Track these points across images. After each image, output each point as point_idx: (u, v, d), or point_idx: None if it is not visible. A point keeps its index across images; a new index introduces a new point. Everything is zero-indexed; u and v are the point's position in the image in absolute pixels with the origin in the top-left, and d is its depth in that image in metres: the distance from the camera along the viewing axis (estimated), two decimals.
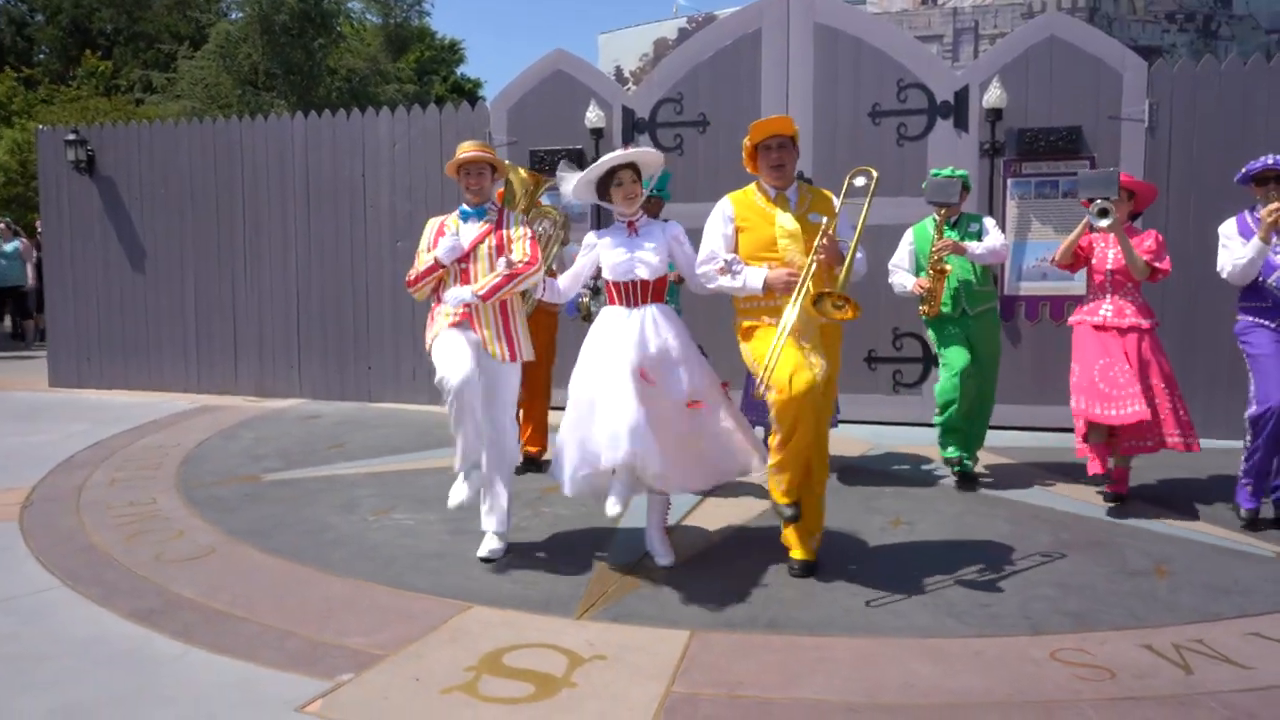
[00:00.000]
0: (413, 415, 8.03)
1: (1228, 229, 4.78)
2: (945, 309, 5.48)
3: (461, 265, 4.37)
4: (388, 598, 3.98)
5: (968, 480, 5.61)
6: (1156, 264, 4.97)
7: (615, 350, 4.07)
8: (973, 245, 5.37)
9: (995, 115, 6.95)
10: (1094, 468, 5.05)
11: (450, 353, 4.21)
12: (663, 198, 5.50)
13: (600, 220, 7.43)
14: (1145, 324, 4.99)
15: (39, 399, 8.99)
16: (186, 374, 9.16)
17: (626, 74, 24.15)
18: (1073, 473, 5.77)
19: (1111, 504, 5.17)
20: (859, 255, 4.07)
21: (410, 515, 5.15)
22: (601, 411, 3.98)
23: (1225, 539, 4.62)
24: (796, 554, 4.18)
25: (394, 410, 8.27)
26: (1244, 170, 4.67)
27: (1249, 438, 4.73)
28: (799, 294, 3.90)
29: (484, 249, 4.37)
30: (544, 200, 5.57)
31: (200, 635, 3.59)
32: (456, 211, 4.50)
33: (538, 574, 4.23)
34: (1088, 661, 3.32)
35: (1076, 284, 6.21)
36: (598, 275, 4.37)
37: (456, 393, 4.11)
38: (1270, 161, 4.55)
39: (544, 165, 7.69)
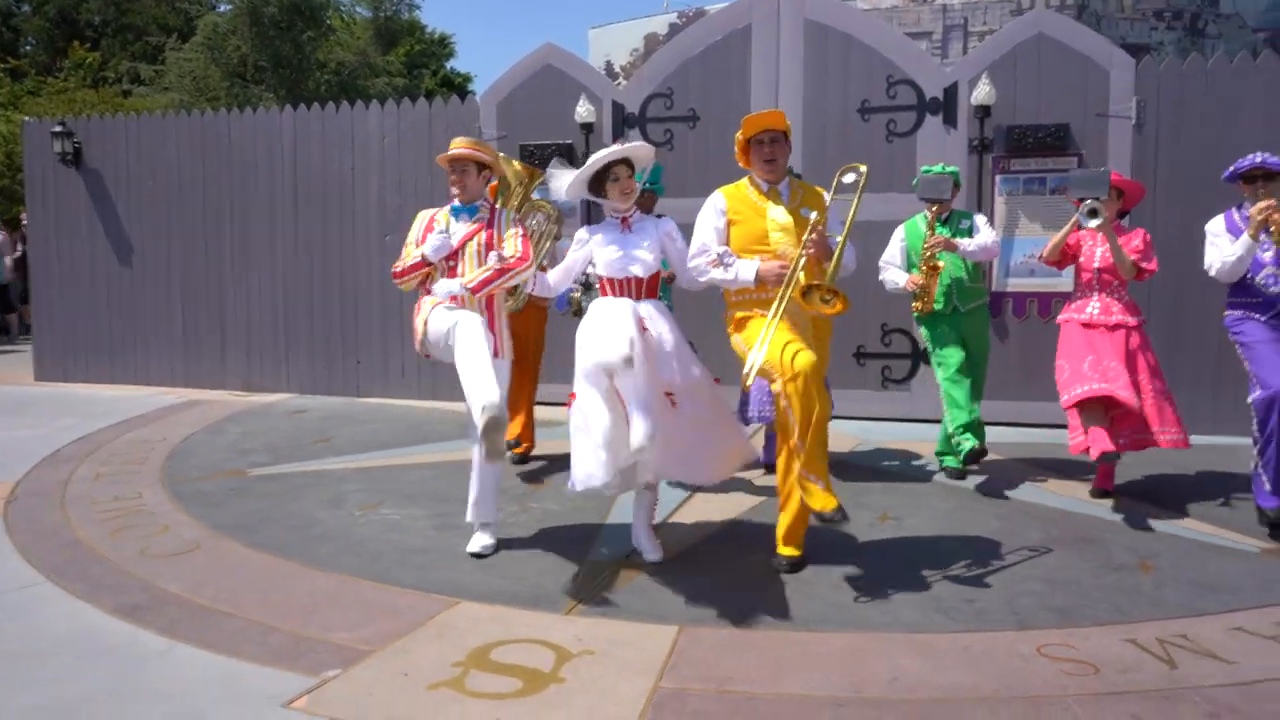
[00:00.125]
0: (401, 410, 8.01)
1: (1215, 226, 4.80)
2: (937, 306, 5.49)
3: (450, 263, 4.35)
4: (374, 593, 3.97)
5: (962, 475, 5.65)
6: (1143, 263, 5.00)
7: (610, 332, 3.87)
8: (965, 242, 5.39)
9: (984, 112, 6.96)
10: (1101, 445, 4.77)
11: (450, 313, 4.16)
12: (656, 191, 5.49)
13: (590, 216, 7.42)
14: (1132, 321, 5.02)
15: (24, 393, 8.93)
16: (173, 368, 9.12)
17: (617, 69, 24.10)
18: (1061, 468, 5.80)
19: (1097, 499, 5.19)
20: (848, 251, 4.08)
21: (397, 510, 5.14)
22: (610, 415, 3.87)
23: (1210, 535, 4.65)
24: (785, 550, 4.19)
25: (382, 405, 8.24)
26: (1232, 168, 4.69)
27: (1256, 432, 4.58)
28: (786, 288, 3.91)
29: (472, 246, 4.35)
30: (536, 195, 5.57)
31: (185, 631, 3.58)
32: (449, 206, 4.48)
33: (526, 569, 4.22)
34: (1073, 656, 3.34)
35: (1064, 280, 6.24)
36: (589, 270, 4.36)
37: (462, 328, 4.06)
38: (1259, 160, 4.57)
39: (534, 160, 7.66)
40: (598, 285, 4.32)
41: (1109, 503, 5.15)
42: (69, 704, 3.05)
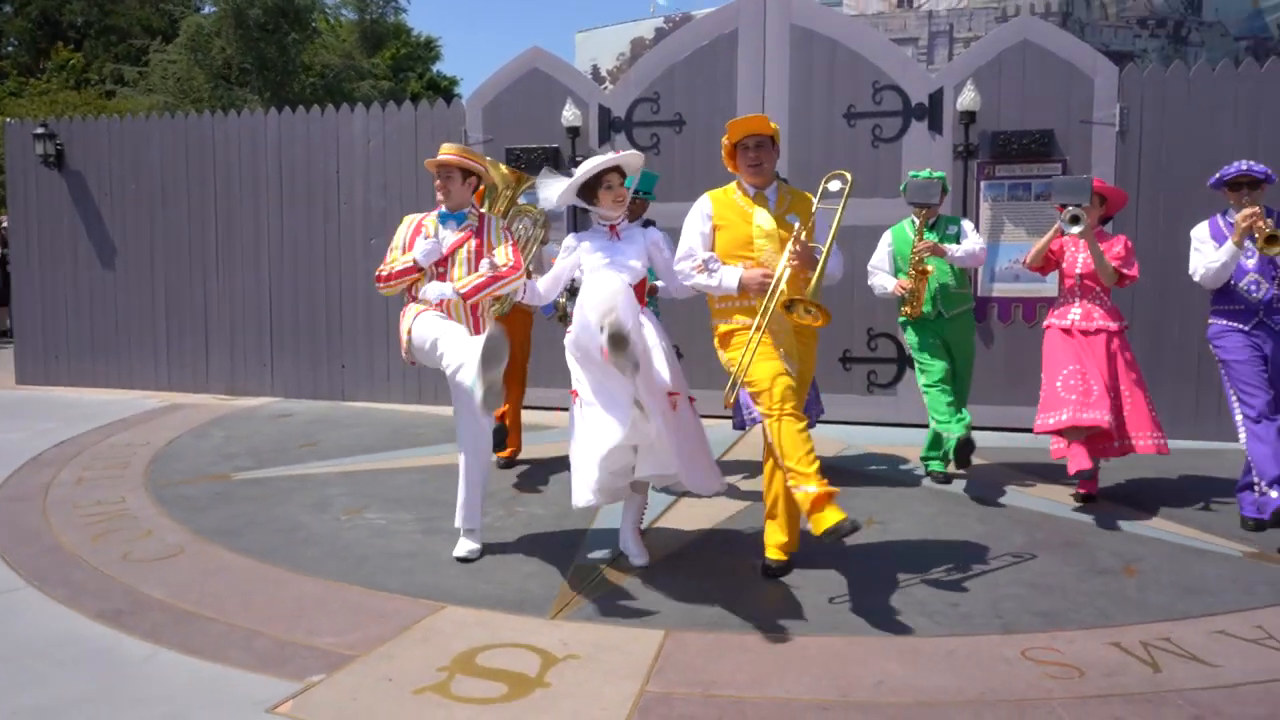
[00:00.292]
0: (386, 414, 7.99)
1: (1200, 233, 4.83)
2: (924, 310, 5.52)
3: (439, 269, 4.33)
4: (359, 598, 3.95)
5: (947, 479, 5.69)
6: (1125, 270, 5.05)
7: (589, 308, 3.79)
8: (953, 248, 5.41)
9: (969, 118, 6.99)
10: (1079, 464, 4.90)
11: (435, 321, 4.09)
12: (648, 198, 5.49)
13: (578, 221, 7.42)
14: (1113, 326, 5.06)
15: (5, 396, 8.85)
16: (156, 372, 9.06)
17: (603, 73, 24.13)
18: (1045, 473, 5.82)
19: (1080, 504, 5.21)
20: (834, 260, 4.08)
21: (383, 515, 5.12)
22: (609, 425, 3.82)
23: (1194, 539, 4.67)
24: (771, 554, 4.19)
25: (367, 409, 8.21)
26: (1218, 175, 4.73)
27: (1247, 444, 4.65)
28: (770, 299, 3.91)
29: (463, 254, 4.33)
30: (523, 199, 5.56)
31: (169, 636, 3.55)
32: (435, 212, 4.46)
33: (511, 574, 4.21)
34: (1058, 660, 3.35)
35: (1049, 286, 6.27)
36: (576, 276, 4.36)
37: (446, 331, 4.01)
38: (1244, 167, 4.61)
39: (520, 164, 7.65)
40: None
41: (1093, 507, 5.17)
42: (51, 710, 3.02)
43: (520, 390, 6.14)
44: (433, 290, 4.25)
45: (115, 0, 24.90)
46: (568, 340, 4.04)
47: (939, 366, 5.47)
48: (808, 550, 4.36)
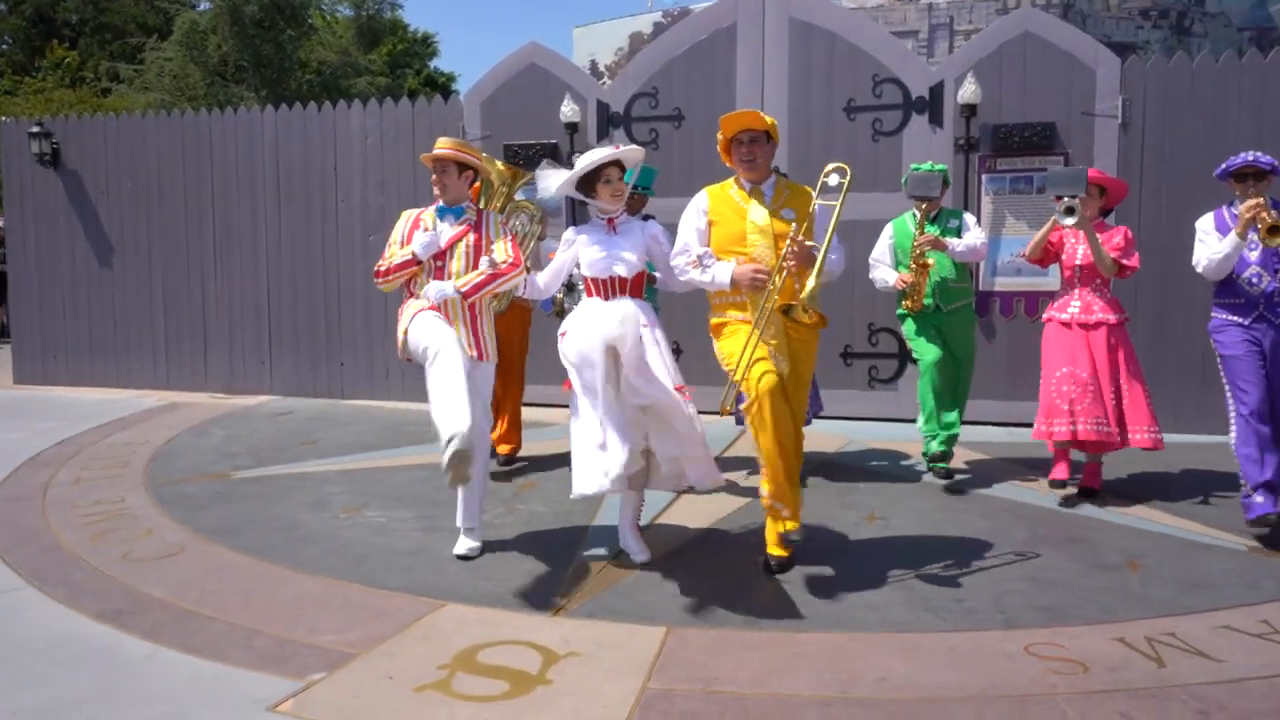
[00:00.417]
0: (385, 412, 7.97)
1: (1205, 224, 4.81)
2: (925, 303, 5.51)
3: (437, 263, 4.32)
4: (360, 596, 3.94)
5: (949, 474, 5.66)
6: (1124, 261, 5.03)
7: (595, 334, 3.87)
8: (954, 242, 5.39)
9: (970, 111, 6.97)
10: (1057, 474, 5.17)
11: (431, 326, 4.05)
12: (647, 194, 5.47)
13: (576, 216, 7.39)
14: (1113, 319, 5.05)
15: (3, 396, 8.83)
16: (155, 371, 9.04)
17: (601, 68, 24.07)
18: (1048, 468, 5.79)
19: (1062, 498, 5.22)
20: (835, 255, 4.06)
21: (382, 513, 5.10)
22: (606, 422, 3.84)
23: (1197, 533, 4.66)
24: (772, 550, 4.17)
25: (366, 407, 8.20)
26: (1224, 166, 4.70)
27: (1235, 444, 4.65)
28: (766, 303, 3.88)
29: (461, 248, 4.32)
30: (520, 195, 5.54)
31: (170, 635, 3.54)
32: (433, 207, 4.45)
33: (512, 571, 4.20)
34: (1061, 655, 3.34)
35: (1051, 280, 6.24)
36: (574, 270, 4.35)
37: (440, 352, 3.88)
38: (1250, 158, 4.58)
39: (518, 160, 7.64)
40: (581, 286, 4.31)
41: (1096, 501, 5.16)
42: (51, 710, 3.01)
43: (519, 388, 6.12)
44: (433, 289, 4.23)
45: None
46: (561, 347, 4.08)
47: (933, 351, 5.47)
48: (809, 546, 4.35)
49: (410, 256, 4.29)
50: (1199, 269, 4.77)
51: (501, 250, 4.32)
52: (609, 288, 4.17)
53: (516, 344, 5.92)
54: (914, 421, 6.84)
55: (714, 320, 4.21)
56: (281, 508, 5.21)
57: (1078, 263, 5.10)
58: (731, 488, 5.40)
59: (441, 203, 4.41)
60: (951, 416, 5.58)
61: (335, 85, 20.59)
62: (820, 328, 3.95)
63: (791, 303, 3.84)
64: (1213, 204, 4.94)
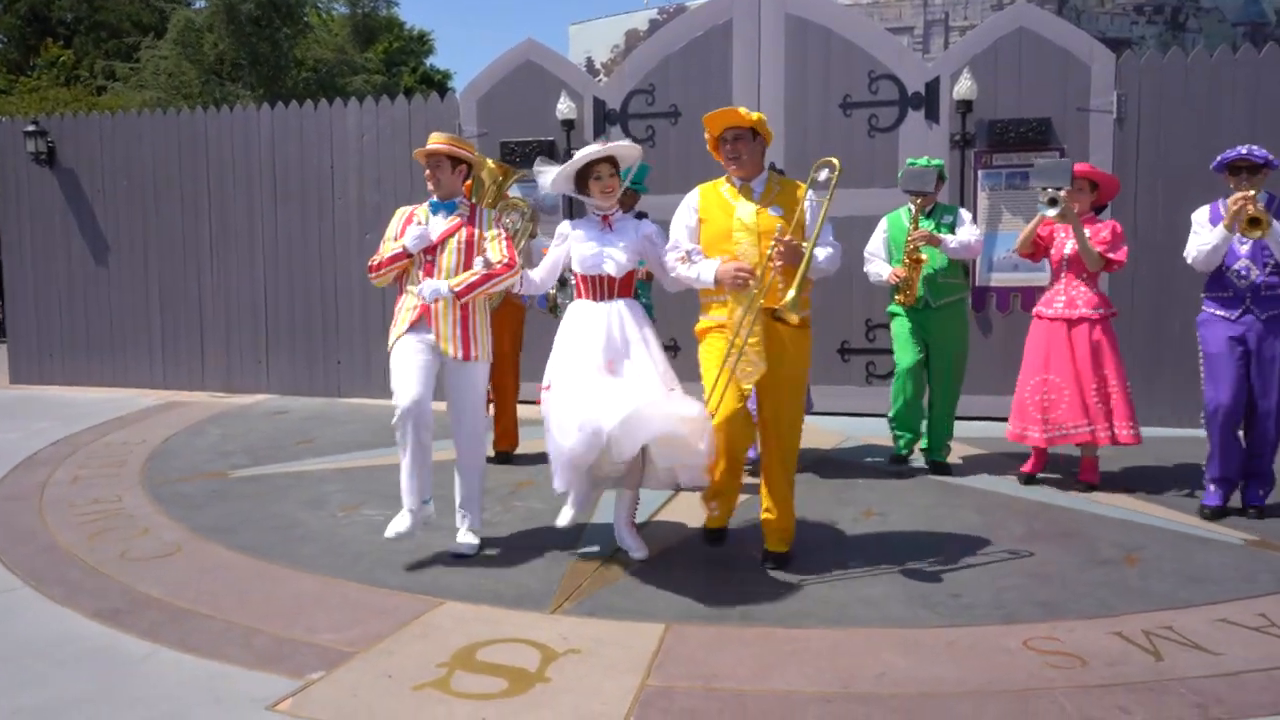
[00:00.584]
0: (382, 410, 7.90)
1: (1200, 216, 4.83)
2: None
3: (428, 257, 4.31)
4: (358, 594, 3.93)
5: (901, 460, 5.88)
6: (1110, 254, 5.05)
7: (585, 345, 4.06)
8: (948, 238, 5.39)
9: (966, 107, 6.97)
10: (1030, 468, 5.43)
11: (403, 373, 4.24)
12: (639, 191, 5.46)
13: (573, 212, 7.39)
14: (1096, 315, 5.08)
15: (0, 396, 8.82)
16: (151, 370, 9.03)
17: (598, 65, 24.03)
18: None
19: (1022, 475, 5.43)
20: (831, 251, 4.04)
21: (380, 511, 5.09)
22: (576, 404, 3.91)
23: (1194, 527, 4.67)
24: (771, 546, 4.18)
25: (363, 405, 8.19)
26: (1219, 158, 4.71)
27: (1208, 439, 4.85)
28: (749, 310, 3.87)
29: (453, 243, 4.32)
30: (512, 192, 5.54)
31: (167, 634, 3.53)
32: (427, 202, 4.45)
33: (510, 569, 4.20)
34: (1060, 649, 3.34)
35: (1047, 275, 6.25)
36: (565, 267, 4.36)
37: (402, 416, 4.21)
38: (1244, 151, 4.60)
39: (514, 157, 7.64)
40: (573, 282, 4.30)
41: (1092, 496, 5.17)
42: (51, 710, 3.00)
43: (515, 385, 6.11)
44: (428, 288, 4.24)
45: None
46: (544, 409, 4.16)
47: (909, 357, 5.56)
48: (807, 542, 4.36)
49: (401, 250, 4.30)
50: (1189, 260, 4.80)
51: (496, 250, 4.32)
52: (598, 285, 4.17)
53: (510, 342, 5.92)
54: None
55: (700, 324, 4.19)
56: (279, 506, 5.20)
57: (1065, 254, 5.16)
58: None
59: (435, 198, 4.41)
60: (940, 418, 5.64)
61: (331, 83, 20.55)
62: (802, 328, 3.96)
63: (773, 307, 3.83)
64: (1207, 199, 4.95)
